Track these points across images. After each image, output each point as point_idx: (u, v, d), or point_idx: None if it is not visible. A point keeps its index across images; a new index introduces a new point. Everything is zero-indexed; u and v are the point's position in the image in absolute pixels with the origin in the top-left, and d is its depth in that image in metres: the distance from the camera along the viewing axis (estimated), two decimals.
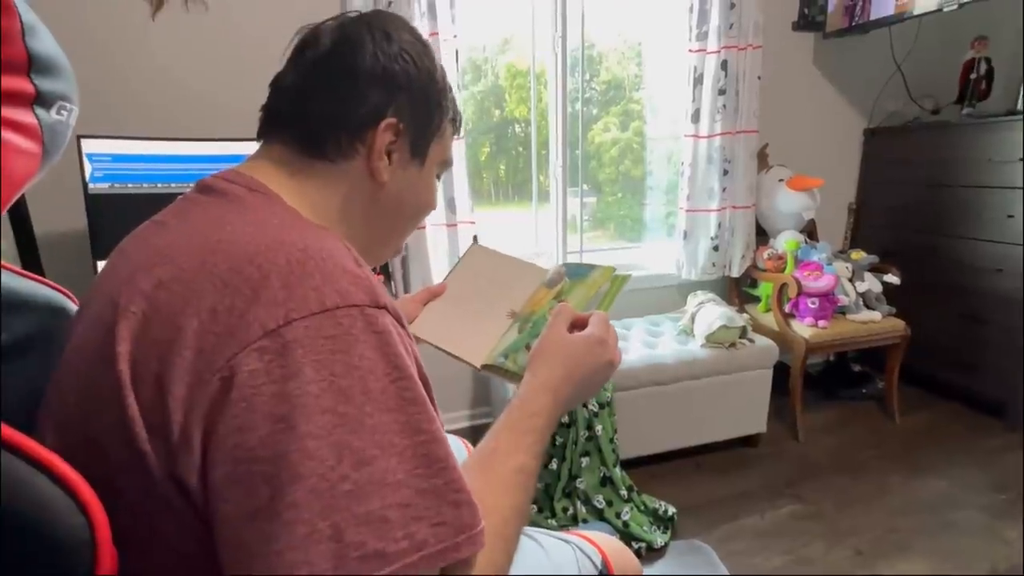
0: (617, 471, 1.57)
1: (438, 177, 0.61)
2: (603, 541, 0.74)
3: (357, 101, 0.50)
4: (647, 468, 1.75)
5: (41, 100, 0.41)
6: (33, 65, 0.40)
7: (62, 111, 0.42)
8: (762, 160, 2.18)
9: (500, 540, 0.42)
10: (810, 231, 2.24)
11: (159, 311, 0.38)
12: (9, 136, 0.39)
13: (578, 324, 0.60)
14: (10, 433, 0.34)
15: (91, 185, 1.30)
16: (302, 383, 0.35)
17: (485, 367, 0.66)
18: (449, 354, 0.69)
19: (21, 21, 0.38)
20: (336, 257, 0.40)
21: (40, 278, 0.51)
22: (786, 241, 2.09)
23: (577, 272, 0.71)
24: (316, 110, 0.50)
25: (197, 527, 0.36)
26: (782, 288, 1.98)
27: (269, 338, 0.35)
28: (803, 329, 1.92)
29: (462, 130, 1.73)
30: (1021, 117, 1.86)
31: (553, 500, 1.55)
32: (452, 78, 1.69)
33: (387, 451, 0.36)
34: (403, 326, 0.43)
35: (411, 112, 0.53)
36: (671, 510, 1.53)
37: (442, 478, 0.37)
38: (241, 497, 0.34)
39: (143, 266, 0.41)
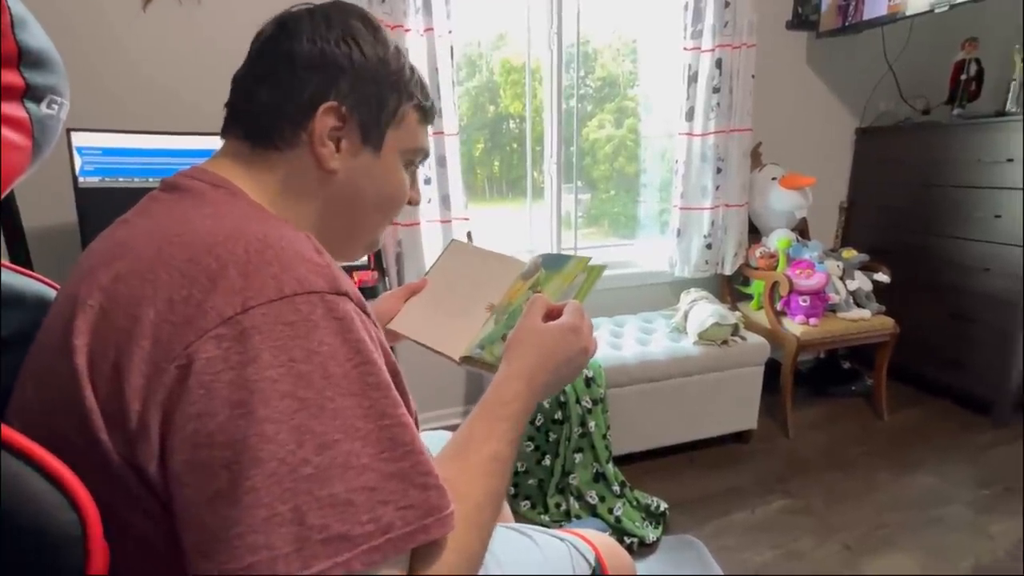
0: (610, 467, 1.58)
1: (412, 166, 0.59)
2: (597, 539, 0.75)
3: (296, 87, 0.49)
4: (640, 464, 1.76)
5: (31, 94, 0.40)
6: (23, 58, 0.39)
7: (52, 105, 0.42)
8: (755, 159, 2.19)
9: (474, 527, 0.42)
10: (802, 230, 2.25)
11: (117, 303, 0.38)
12: None
13: (552, 314, 0.60)
14: (5, 430, 0.34)
15: (81, 179, 1.29)
16: (260, 368, 0.35)
17: (463, 359, 0.66)
18: (429, 349, 0.70)
19: (11, 14, 0.38)
20: (296, 246, 0.40)
21: (30, 272, 0.51)
22: (778, 239, 2.11)
23: (553, 263, 0.72)
24: (259, 100, 0.50)
25: (159, 515, 0.36)
26: (774, 286, 1.99)
27: (226, 325, 0.35)
28: (794, 327, 1.93)
29: (456, 126, 1.74)
30: (1010, 118, 1.89)
31: (546, 496, 1.55)
32: (447, 74, 1.69)
33: (350, 435, 0.35)
34: (367, 314, 0.43)
35: (356, 96, 0.51)
36: (663, 505, 1.54)
37: (408, 461, 0.37)
38: (201, 482, 0.34)
39: (103, 261, 0.41)
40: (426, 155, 0.61)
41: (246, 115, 0.51)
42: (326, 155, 0.51)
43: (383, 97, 0.53)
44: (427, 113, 0.58)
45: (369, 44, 0.52)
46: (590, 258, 0.70)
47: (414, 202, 0.61)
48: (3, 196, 0.41)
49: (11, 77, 0.39)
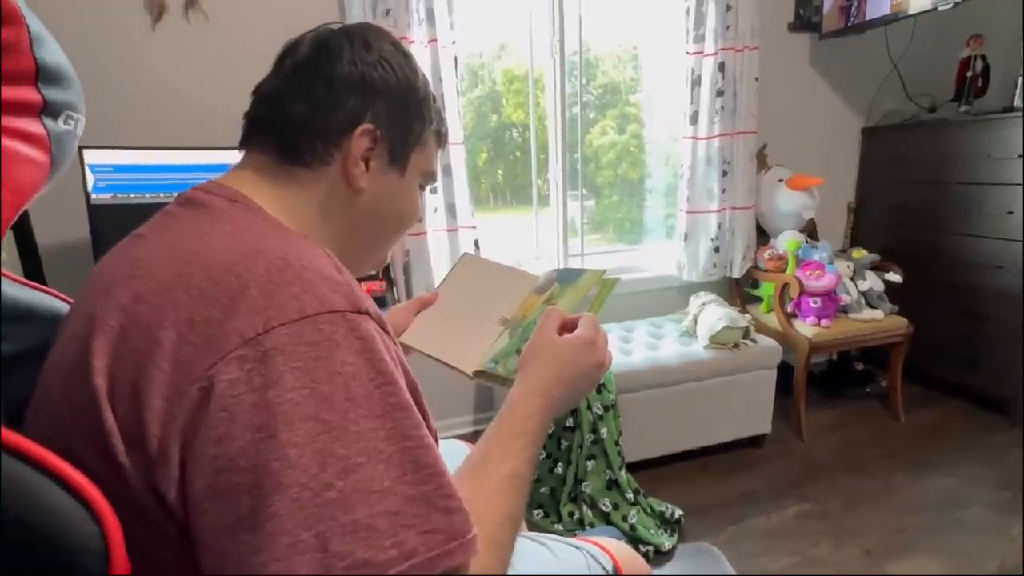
0: (623, 474, 1.56)
1: (421, 189, 0.61)
2: (613, 546, 0.74)
3: (334, 107, 0.50)
4: (653, 471, 1.74)
5: (49, 110, 0.41)
6: (41, 75, 0.40)
7: (69, 120, 0.42)
8: (761, 161, 2.18)
9: (494, 547, 0.42)
10: (810, 231, 2.24)
11: (136, 324, 0.37)
12: (17, 146, 0.39)
13: (567, 326, 0.60)
14: (25, 443, 0.34)
15: (93, 195, 1.30)
16: (282, 391, 0.34)
17: (476, 373, 0.65)
18: (441, 362, 0.69)
19: (29, 31, 0.38)
20: (316, 264, 0.40)
21: (43, 288, 0.51)
22: (787, 241, 2.09)
23: (567, 276, 0.71)
24: (294, 116, 0.50)
25: (177, 540, 0.36)
26: (784, 288, 1.98)
27: (248, 346, 0.35)
28: (806, 329, 1.92)
29: (461, 136, 1.75)
30: (1019, 114, 1.87)
31: (559, 504, 1.54)
32: (451, 84, 1.70)
33: (373, 458, 0.35)
34: (387, 332, 0.42)
35: (389, 119, 0.52)
36: (678, 512, 1.52)
37: (431, 484, 0.37)
38: (223, 508, 0.33)
39: (120, 279, 0.41)
40: (435, 179, 0.63)
41: (278, 130, 0.51)
42: (357, 175, 0.52)
43: (411, 121, 0.55)
44: (442, 138, 0.61)
45: (401, 69, 0.54)
46: (604, 271, 0.69)
47: (419, 220, 0.64)
48: (22, 212, 0.41)
49: (29, 93, 0.39)
